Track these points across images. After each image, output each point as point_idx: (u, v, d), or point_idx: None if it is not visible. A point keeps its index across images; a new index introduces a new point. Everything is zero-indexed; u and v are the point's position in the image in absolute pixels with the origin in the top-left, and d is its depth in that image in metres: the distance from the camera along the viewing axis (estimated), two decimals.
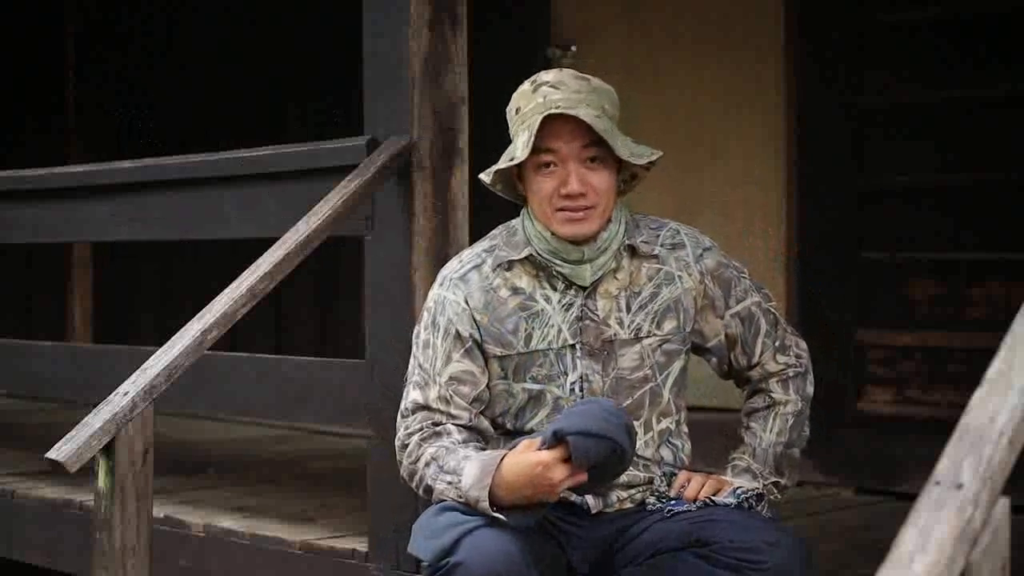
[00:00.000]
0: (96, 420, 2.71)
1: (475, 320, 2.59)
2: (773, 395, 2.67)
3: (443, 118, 3.21)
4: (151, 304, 7.15)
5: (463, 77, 3.25)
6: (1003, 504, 1.64)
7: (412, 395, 2.62)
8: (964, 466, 1.62)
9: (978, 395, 1.70)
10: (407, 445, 2.59)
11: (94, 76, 7.32)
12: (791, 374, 2.68)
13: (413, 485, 2.58)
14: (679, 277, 2.63)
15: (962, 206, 4.23)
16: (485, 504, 2.39)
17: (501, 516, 2.38)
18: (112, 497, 2.71)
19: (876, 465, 4.29)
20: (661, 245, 2.64)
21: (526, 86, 2.58)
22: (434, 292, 2.65)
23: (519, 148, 2.52)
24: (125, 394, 2.75)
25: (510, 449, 2.44)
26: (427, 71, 3.18)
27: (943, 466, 1.64)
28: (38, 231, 4.38)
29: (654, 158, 2.57)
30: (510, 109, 2.60)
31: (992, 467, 1.62)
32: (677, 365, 2.64)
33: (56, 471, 2.68)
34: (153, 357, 2.85)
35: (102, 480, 2.72)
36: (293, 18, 6.40)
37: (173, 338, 2.88)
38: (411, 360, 2.65)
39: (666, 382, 2.62)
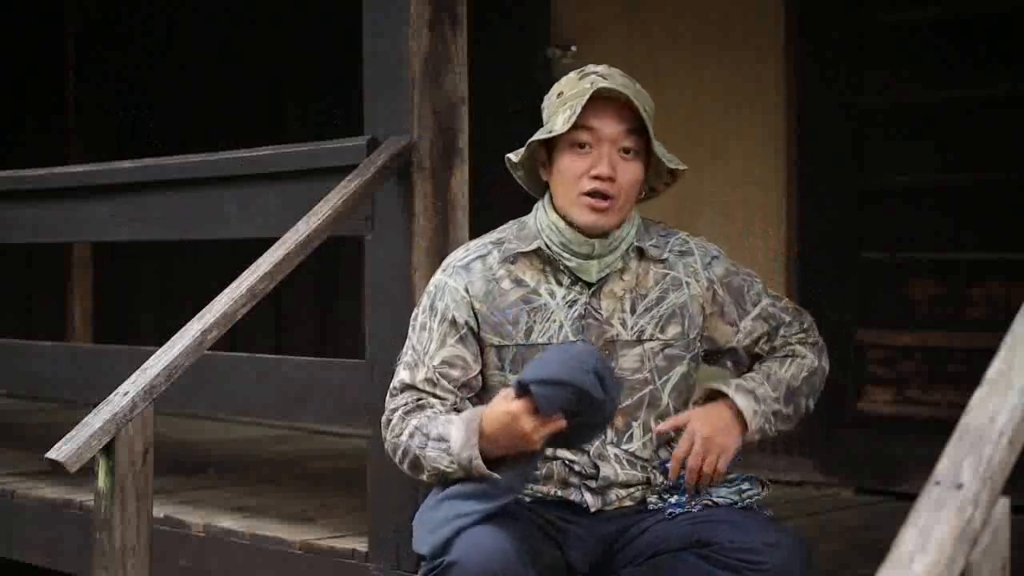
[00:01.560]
0: (96, 420, 2.71)
1: (473, 308, 2.60)
2: (794, 349, 2.67)
3: (443, 118, 3.20)
4: (151, 304, 7.15)
5: (463, 77, 3.25)
6: (1003, 504, 1.65)
7: (401, 375, 2.63)
8: (964, 466, 1.62)
9: (978, 395, 1.70)
10: (391, 420, 2.60)
11: (94, 76, 7.32)
12: (811, 342, 2.70)
13: (397, 460, 2.58)
14: (687, 283, 2.64)
15: (962, 206, 4.22)
16: (479, 462, 2.39)
17: (495, 475, 2.39)
18: (112, 497, 2.71)
19: (876, 465, 4.28)
20: (670, 251, 2.66)
21: (572, 75, 2.61)
22: (436, 277, 2.67)
23: (559, 123, 2.54)
24: (125, 394, 2.75)
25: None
26: (427, 71, 3.18)
27: (943, 466, 1.64)
28: (38, 231, 4.37)
29: (682, 167, 2.61)
30: (551, 95, 2.62)
31: (992, 467, 1.62)
32: (678, 371, 2.64)
33: (56, 471, 2.68)
34: (153, 357, 2.85)
35: (102, 480, 2.72)
36: (293, 18, 6.40)
37: (173, 338, 2.88)
38: (406, 342, 2.66)
39: (665, 387, 2.63)
